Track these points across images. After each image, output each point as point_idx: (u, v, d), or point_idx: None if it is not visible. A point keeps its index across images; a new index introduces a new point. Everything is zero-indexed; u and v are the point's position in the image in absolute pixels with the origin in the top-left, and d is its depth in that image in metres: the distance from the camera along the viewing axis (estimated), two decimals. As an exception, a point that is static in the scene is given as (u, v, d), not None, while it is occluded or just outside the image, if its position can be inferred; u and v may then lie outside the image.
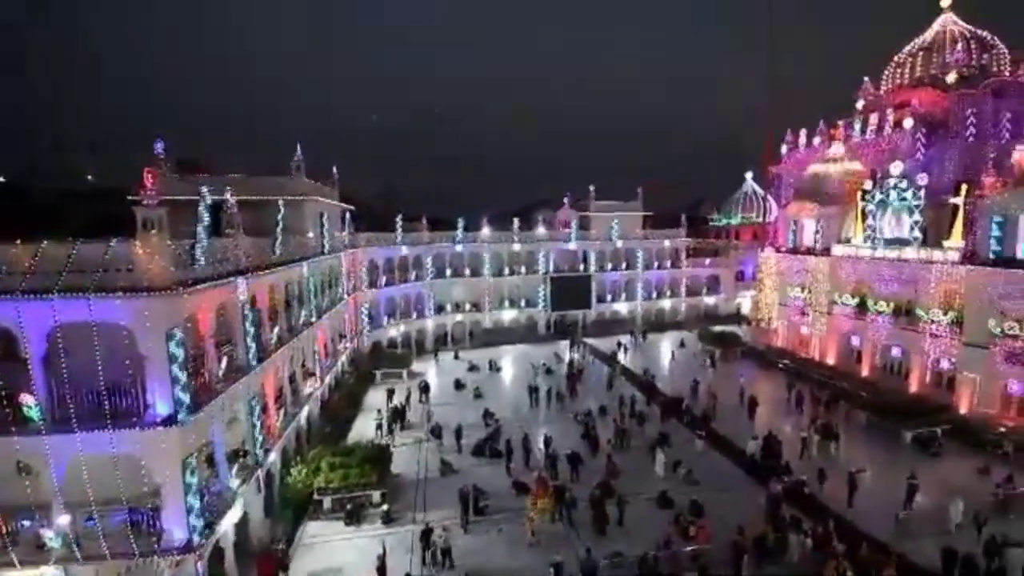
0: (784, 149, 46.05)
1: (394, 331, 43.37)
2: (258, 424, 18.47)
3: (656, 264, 53.59)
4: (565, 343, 44.04)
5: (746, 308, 51.51)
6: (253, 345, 18.60)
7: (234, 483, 16.53)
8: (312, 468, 20.19)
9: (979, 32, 37.80)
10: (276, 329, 22.08)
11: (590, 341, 45.53)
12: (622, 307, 52.66)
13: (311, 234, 29.26)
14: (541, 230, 51.53)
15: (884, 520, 17.55)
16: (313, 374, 26.27)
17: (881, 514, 17.90)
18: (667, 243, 53.86)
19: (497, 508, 19.45)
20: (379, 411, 27.62)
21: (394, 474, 22.21)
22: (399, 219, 44.15)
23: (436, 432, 25.51)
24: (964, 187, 27.57)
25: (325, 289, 31.22)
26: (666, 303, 54.07)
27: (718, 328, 46.01)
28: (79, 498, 13.35)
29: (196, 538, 13.78)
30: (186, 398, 13.75)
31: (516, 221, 49.39)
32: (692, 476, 21.31)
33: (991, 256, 25.45)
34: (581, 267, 51.18)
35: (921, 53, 38.96)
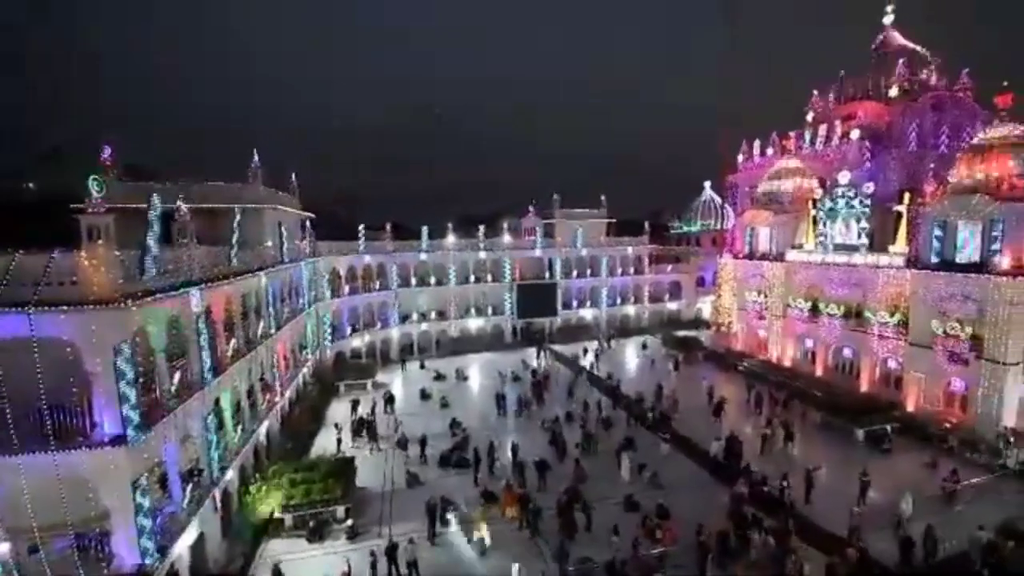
0: (740, 159, 47.74)
1: (358, 341, 42.51)
2: (214, 441, 17.72)
3: (620, 271, 54.47)
4: (532, 350, 44.16)
5: (707, 313, 52.86)
6: (208, 359, 17.89)
7: (188, 504, 15.78)
8: (272, 485, 19.49)
9: (919, 48, 40.24)
10: (232, 342, 21.27)
11: (557, 348, 45.80)
12: (587, 314, 53.26)
13: (269, 243, 28.41)
14: (507, 238, 51.65)
15: (840, 515, 18.18)
16: (272, 388, 25.42)
17: (837, 510, 18.52)
18: (630, 250, 54.86)
19: (465, 518, 19.22)
20: (336, 425, 26.84)
21: (359, 488, 21.68)
22: (362, 227, 43.45)
23: (402, 443, 25.06)
24: (907, 195, 29.23)
25: (285, 299, 30.34)
26: (630, 309, 55.01)
27: (681, 333, 47.42)
28: (21, 524, 12.60)
29: (148, 562, 13.16)
30: (136, 416, 13.12)
31: (482, 229, 49.37)
32: (657, 479, 21.64)
33: (933, 260, 26.94)
34: (547, 274, 51.52)
35: (865, 68, 41.13)
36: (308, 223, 38.87)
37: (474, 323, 48.97)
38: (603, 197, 55.22)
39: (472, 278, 48.68)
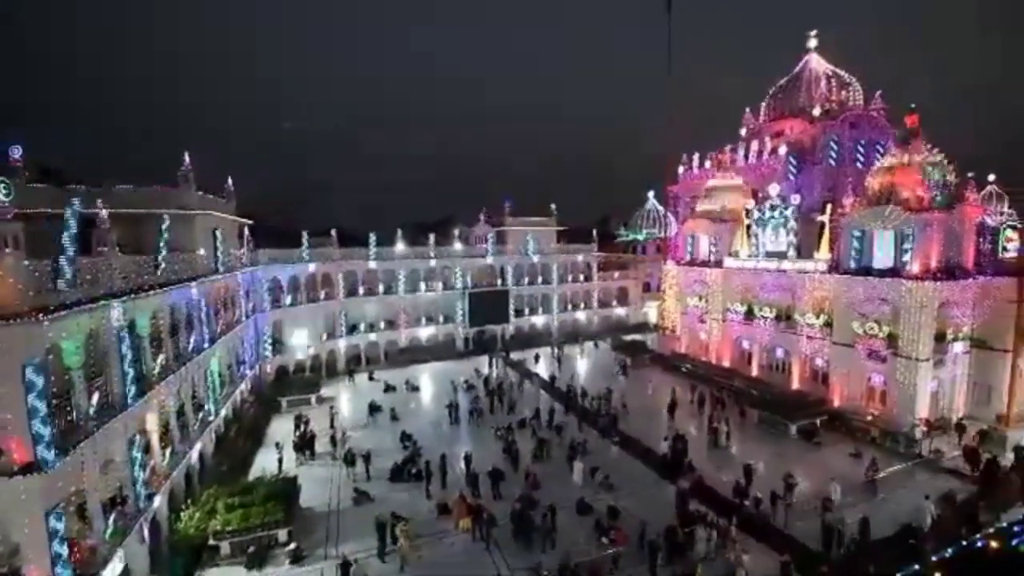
0: (681, 170, 49.98)
1: (302, 354, 40.80)
2: (140, 466, 16.43)
3: (570, 278, 55.47)
4: (485, 358, 43.98)
5: (653, 317, 54.73)
6: (132, 377, 16.60)
7: (111, 535, 14.52)
8: (206, 510, 18.31)
9: (839, 71, 43.68)
10: (160, 358, 19.88)
11: (510, 355, 45.80)
12: (539, 320, 53.75)
13: (202, 251, 26.84)
14: (458, 245, 51.38)
15: (778, 507, 19.16)
16: (205, 406, 23.95)
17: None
18: (580, 257, 56.00)
19: (417, 533, 18.73)
20: (278, 444, 25.51)
21: (303, 508, 20.74)
22: (305, 234, 41.86)
23: (349, 459, 24.16)
24: (829, 206, 31.47)
25: (220, 311, 28.71)
26: (581, 315, 55.99)
27: (628, 337, 48.96)
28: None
29: (64, 603, 11.97)
30: (49, 441, 11.97)
31: (432, 236, 48.85)
32: (608, 481, 22.02)
33: (852, 266, 29.13)
34: (499, 282, 51.63)
35: (792, 88, 44.24)
36: (246, 230, 37.04)
37: (425, 332, 48.23)
38: (553, 205, 56.18)
39: (423, 286, 48.01)
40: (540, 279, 53.61)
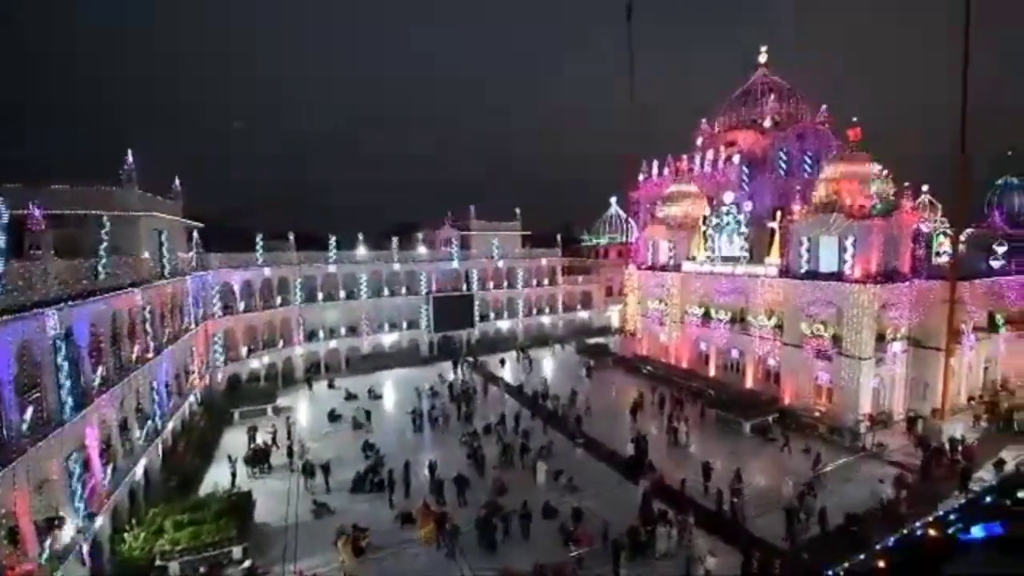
0: (641, 177, 51.14)
1: (256, 363, 39.19)
2: (78, 485, 15.35)
3: (535, 282, 55.78)
4: (450, 364, 43.53)
5: (615, 320, 55.63)
6: (69, 390, 15.50)
7: (47, 559, 13.48)
8: (152, 530, 17.31)
9: (786, 85, 45.76)
10: (101, 369, 18.69)
11: (476, 359, 45.49)
12: (504, 324, 53.73)
13: (147, 255, 25.49)
14: (422, 249, 50.81)
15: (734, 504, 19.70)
16: (151, 419, 22.68)
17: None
18: (544, 262, 56.42)
19: (379, 544, 18.31)
20: (230, 457, 24.38)
21: (259, 524, 19.89)
22: (260, 237, 40.36)
23: (308, 470, 23.35)
24: (779, 213, 32.89)
25: (166, 318, 27.31)
26: (546, 319, 56.33)
27: (592, 340, 49.61)
28: None
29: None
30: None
31: (395, 240, 48.09)
32: (573, 483, 22.15)
33: (800, 270, 30.53)
34: (464, 286, 51.33)
35: (744, 100, 46.05)
36: (196, 233, 35.41)
37: (388, 338, 47.34)
38: (517, 210, 56.35)
39: (386, 291, 47.13)
40: (505, 283, 53.64)
